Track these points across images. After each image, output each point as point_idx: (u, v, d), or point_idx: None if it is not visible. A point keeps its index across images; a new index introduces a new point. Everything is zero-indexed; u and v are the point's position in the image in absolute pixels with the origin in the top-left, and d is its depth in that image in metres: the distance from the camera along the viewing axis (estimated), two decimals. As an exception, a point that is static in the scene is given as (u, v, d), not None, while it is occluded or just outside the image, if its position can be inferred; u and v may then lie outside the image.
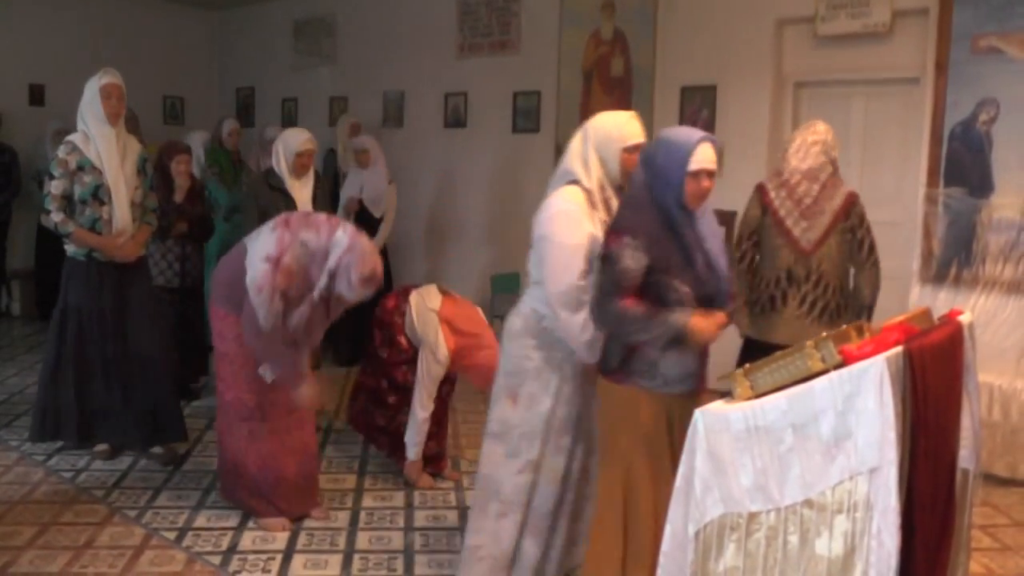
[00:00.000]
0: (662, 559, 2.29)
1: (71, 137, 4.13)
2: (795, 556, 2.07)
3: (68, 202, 4.07)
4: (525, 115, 6.93)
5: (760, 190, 3.74)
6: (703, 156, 2.53)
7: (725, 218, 5.41)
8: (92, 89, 4.12)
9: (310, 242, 3.41)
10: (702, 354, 2.68)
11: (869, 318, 3.50)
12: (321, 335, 3.72)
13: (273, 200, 4.45)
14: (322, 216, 3.60)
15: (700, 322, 2.51)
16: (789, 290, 3.62)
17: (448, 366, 3.94)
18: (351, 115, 7.38)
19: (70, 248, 4.20)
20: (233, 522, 3.71)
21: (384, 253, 6.26)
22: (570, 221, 2.77)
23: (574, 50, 6.55)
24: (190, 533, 3.62)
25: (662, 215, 2.56)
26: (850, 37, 5.18)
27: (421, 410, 3.98)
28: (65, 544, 3.47)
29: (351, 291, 3.37)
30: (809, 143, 3.62)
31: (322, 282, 3.39)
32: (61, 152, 4.07)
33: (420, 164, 7.64)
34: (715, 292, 2.61)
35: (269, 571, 3.32)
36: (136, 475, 4.23)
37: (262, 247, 3.42)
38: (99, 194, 4.07)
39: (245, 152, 6.90)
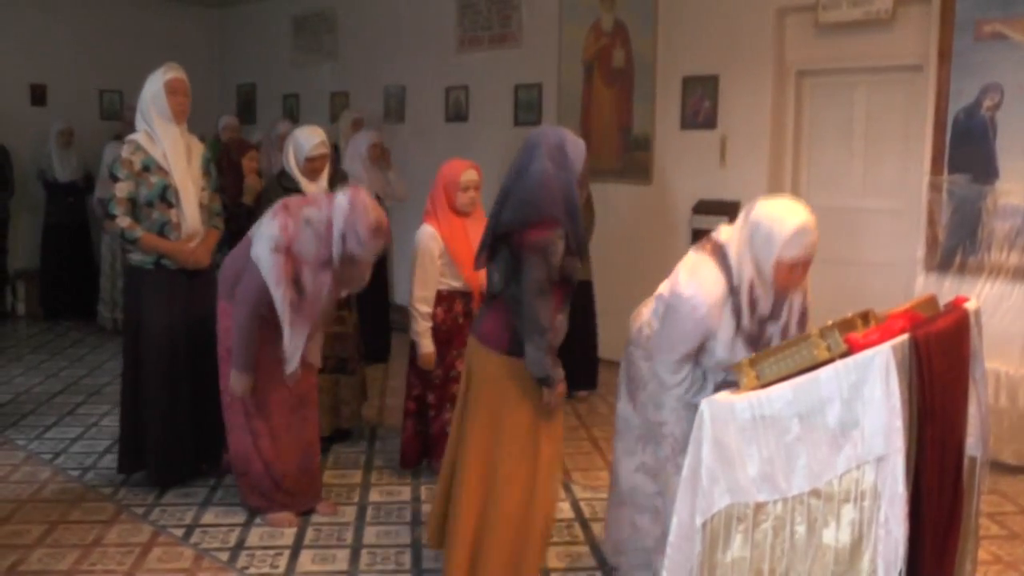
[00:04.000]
0: (669, 550, 2.29)
1: (133, 136, 3.83)
2: (802, 546, 2.07)
3: (133, 205, 3.77)
4: (526, 108, 6.92)
5: None
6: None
7: (728, 208, 5.40)
8: (155, 85, 3.81)
9: (312, 217, 3.36)
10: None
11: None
12: (330, 308, 3.66)
13: None
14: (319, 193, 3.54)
15: (558, 392, 2.77)
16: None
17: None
18: (353, 110, 7.38)
19: (135, 256, 3.87)
20: (240, 518, 3.72)
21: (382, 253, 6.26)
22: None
23: (575, 42, 6.54)
24: (198, 530, 3.63)
25: (569, 199, 2.70)
26: (852, 25, 5.16)
27: (420, 304, 3.91)
28: (73, 542, 3.49)
29: (362, 246, 3.32)
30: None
31: (336, 248, 3.34)
32: (124, 152, 3.78)
33: (423, 159, 7.61)
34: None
35: (277, 567, 3.32)
36: (143, 472, 4.22)
37: (267, 235, 3.35)
38: (167, 196, 3.79)
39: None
